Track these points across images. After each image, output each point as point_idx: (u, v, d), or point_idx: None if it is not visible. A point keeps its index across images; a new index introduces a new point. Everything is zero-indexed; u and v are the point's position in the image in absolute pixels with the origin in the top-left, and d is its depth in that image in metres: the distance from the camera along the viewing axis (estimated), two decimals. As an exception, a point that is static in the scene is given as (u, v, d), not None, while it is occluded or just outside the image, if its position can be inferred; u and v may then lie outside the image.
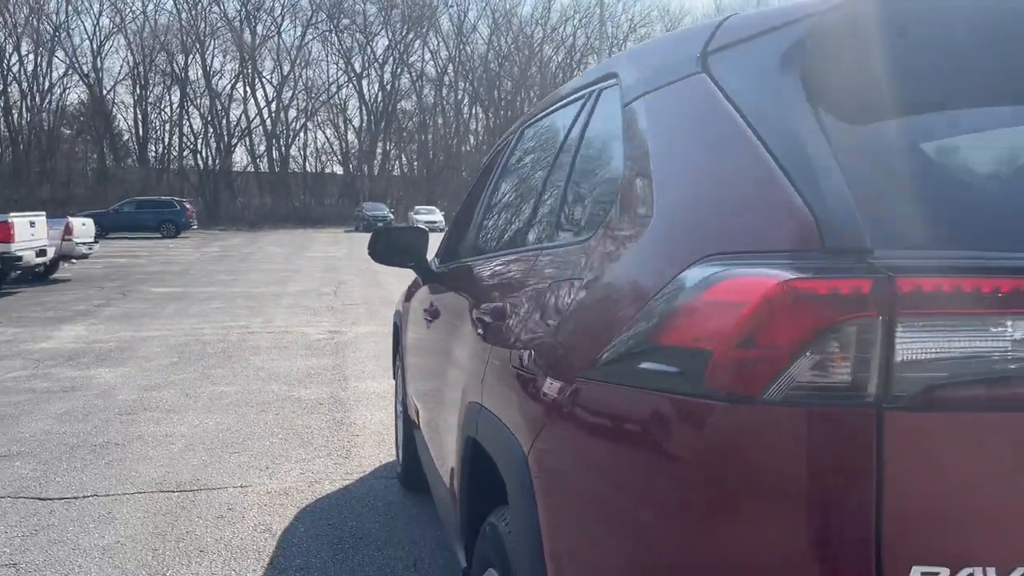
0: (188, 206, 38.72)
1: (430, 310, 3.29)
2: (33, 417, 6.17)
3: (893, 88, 1.28)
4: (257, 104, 60.16)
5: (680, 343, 1.17)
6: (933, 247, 1.09)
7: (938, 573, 1.03)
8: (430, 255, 3.74)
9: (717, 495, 1.12)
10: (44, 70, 55.85)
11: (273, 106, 60.32)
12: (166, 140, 60.27)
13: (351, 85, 63.02)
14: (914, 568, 1.03)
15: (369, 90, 63.40)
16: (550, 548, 1.45)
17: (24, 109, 55.87)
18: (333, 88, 62.82)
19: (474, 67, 66.88)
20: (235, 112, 60.38)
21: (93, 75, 56.76)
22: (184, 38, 57.59)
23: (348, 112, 63.92)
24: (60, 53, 56.03)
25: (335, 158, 63.82)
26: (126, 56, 58.60)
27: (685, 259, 1.23)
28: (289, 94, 60.77)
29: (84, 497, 4.45)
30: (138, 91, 57.76)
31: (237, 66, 59.60)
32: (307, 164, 62.18)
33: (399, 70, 63.98)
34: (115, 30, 57.36)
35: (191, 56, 57.81)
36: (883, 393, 1.03)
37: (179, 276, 18.26)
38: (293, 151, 61.25)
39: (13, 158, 54.51)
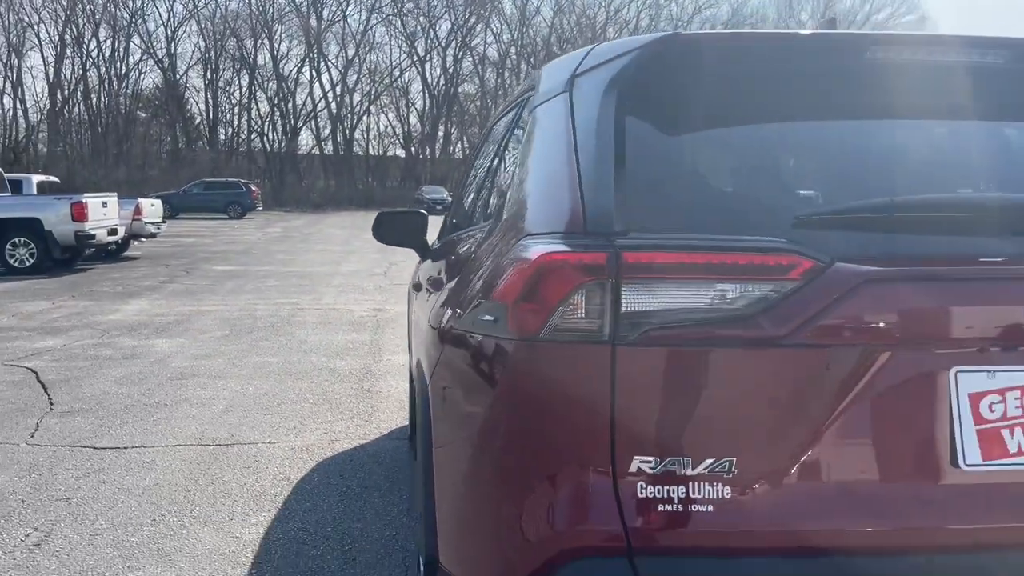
0: (254, 188, 40.07)
1: (416, 284, 3.75)
2: (95, 380, 6.85)
3: (673, 111, 1.68)
4: (322, 87, 61.59)
5: (496, 299, 1.59)
6: (664, 231, 1.49)
7: (650, 460, 1.44)
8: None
9: (517, 407, 1.54)
10: (121, 55, 58.11)
11: (338, 89, 61.62)
12: (235, 123, 62.13)
13: (414, 68, 63.91)
14: (635, 458, 1.44)
15: (431, 74, 64.21)
16: (435, 447, 1.91)
17: (103, 93, 58.22)
18: (396, 72, 63.83)
19: (536, 50, 66.98)
20: (300, 96, 61.94)
21: (167, 60, 58.85)
22: (253, 23, 59.18)
23: (410, 95, 64.90)
24: (136, 39, 58.21)
25: (397, 141, 64.93)
26: (198, 41, 60.81)
27: (516, 239, 1.65)
28: (354, 78, 61.99)
29: (132, 447, 5.05)
30: (209, 75, 59.66)
31: (303, 51, 61.02)
32: (370, 147, 63.44)
33: (462, 53, 64.56)
34: (188, 16, 59.36)
35: (259, 41, 59.42)
36: (614, 334, 1.44)
37: (240, 255, 19.13)
38: (357, 134, 62.59)
39: (92, 141, 56.92)
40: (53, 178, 19.43)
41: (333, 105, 61.46)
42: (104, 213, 15.99)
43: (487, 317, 1.62)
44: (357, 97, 62.41)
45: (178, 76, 59.49)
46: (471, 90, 66.89)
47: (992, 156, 1.80)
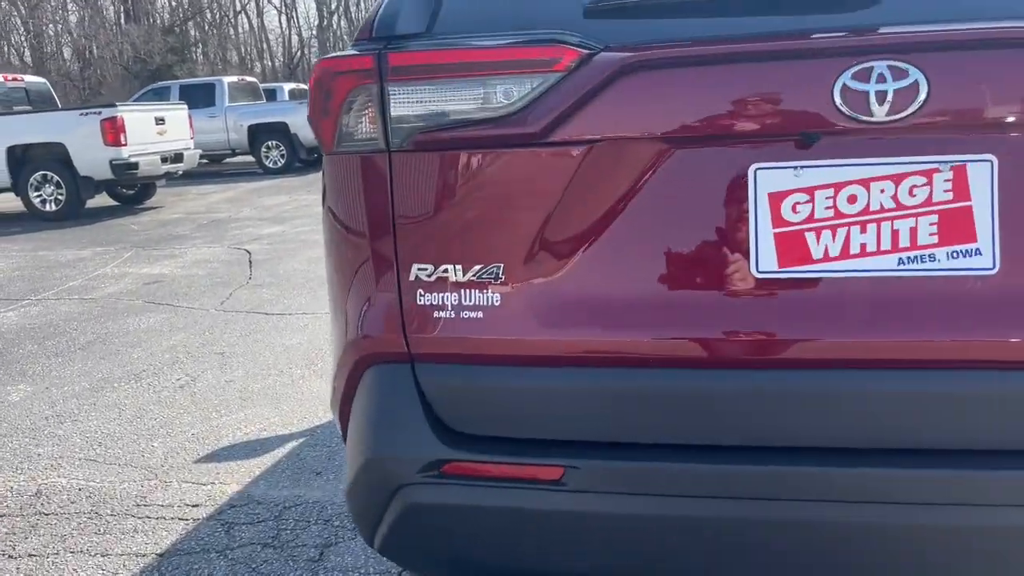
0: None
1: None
2: (292, 260, 7.60)
3: None
4: None
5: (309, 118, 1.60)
6: (451, 34, 1.41)
7: (427, 268, 1.42)
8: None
9: (332, 224, 1.56)
10: None
11: None
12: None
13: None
14: (413, 265, 1.43)
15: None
16: None
17: (361, 5, 61.81)
18: None
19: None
20: None
21: None
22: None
23: None
24: None
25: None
26: None
27: None
28: None
29: (295, 314, 5.61)
30: None
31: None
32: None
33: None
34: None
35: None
36: (388, 140, 1.41)
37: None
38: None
39: (355, 51, 60.93)
40: (303, 85, 21.15)
41: None
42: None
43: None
44: None
45: None
46: None
47: None
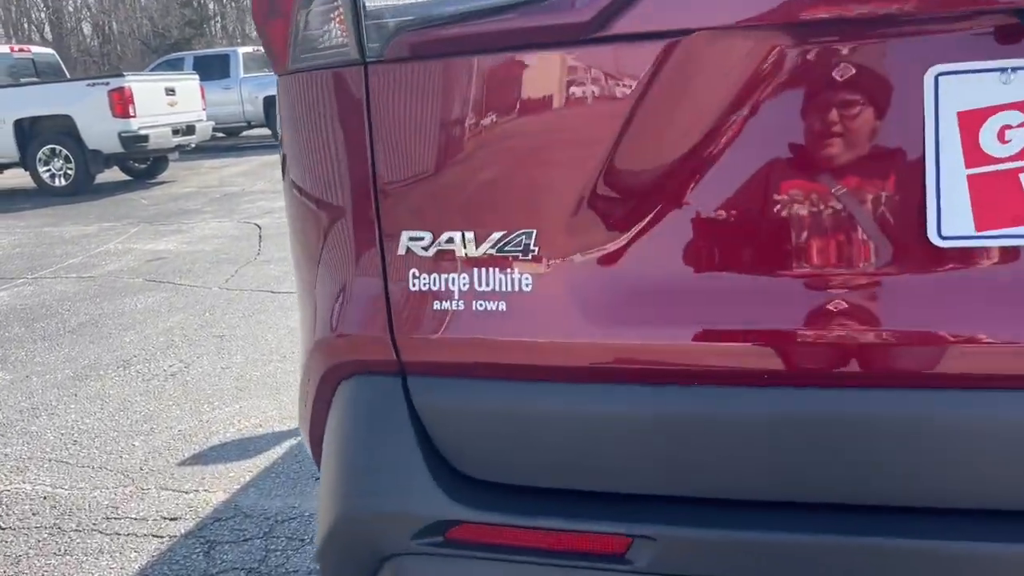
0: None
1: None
2: (304, 233, 7.18)
3: None
4: None
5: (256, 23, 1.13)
6: None
7: (423, 238, 0.96)
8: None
9: (299, 159, 1.10)
10: None
11: None
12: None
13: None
14: (403, 234, 0.97)
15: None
16: None
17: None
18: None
19: None
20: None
21: None
22: None
23: None
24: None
25: None
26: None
27: None
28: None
29: (303, 292, 5.18)
30: None
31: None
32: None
33: None
34: None
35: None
36: (362, 46, 0.94)
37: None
38: None
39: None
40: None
41: None
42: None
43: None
44: None
45: None
46: None
47: None
